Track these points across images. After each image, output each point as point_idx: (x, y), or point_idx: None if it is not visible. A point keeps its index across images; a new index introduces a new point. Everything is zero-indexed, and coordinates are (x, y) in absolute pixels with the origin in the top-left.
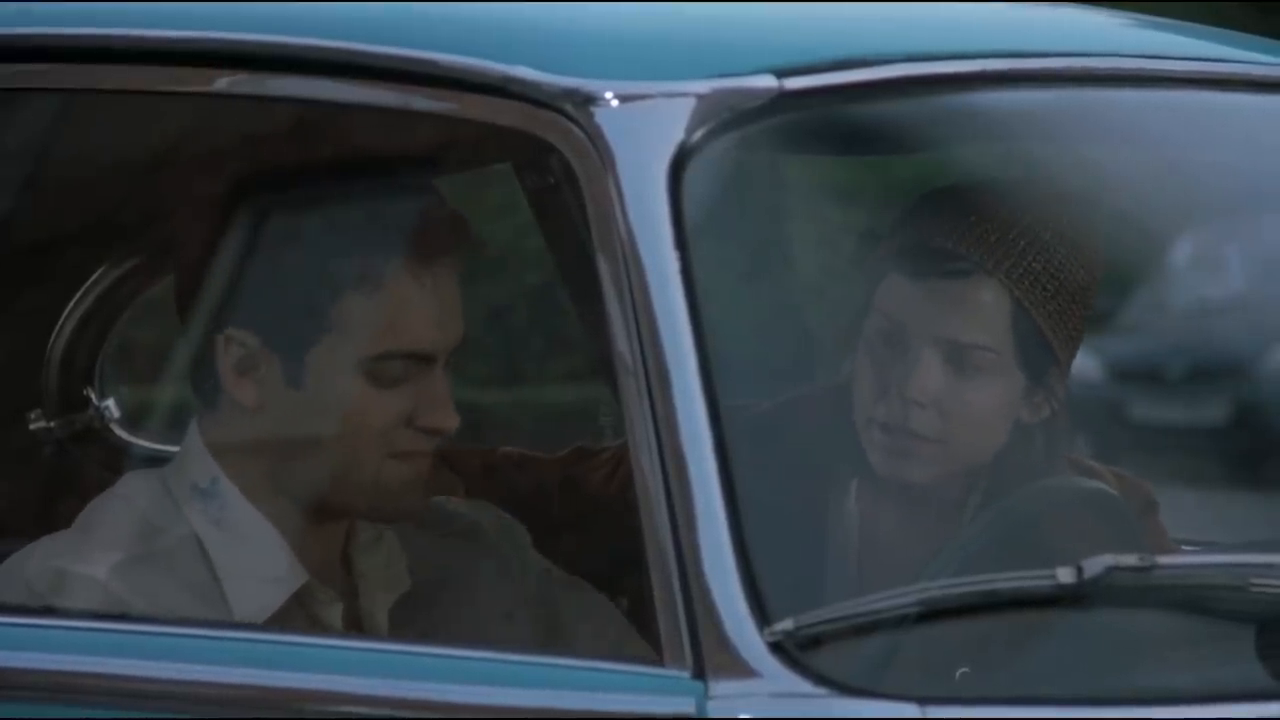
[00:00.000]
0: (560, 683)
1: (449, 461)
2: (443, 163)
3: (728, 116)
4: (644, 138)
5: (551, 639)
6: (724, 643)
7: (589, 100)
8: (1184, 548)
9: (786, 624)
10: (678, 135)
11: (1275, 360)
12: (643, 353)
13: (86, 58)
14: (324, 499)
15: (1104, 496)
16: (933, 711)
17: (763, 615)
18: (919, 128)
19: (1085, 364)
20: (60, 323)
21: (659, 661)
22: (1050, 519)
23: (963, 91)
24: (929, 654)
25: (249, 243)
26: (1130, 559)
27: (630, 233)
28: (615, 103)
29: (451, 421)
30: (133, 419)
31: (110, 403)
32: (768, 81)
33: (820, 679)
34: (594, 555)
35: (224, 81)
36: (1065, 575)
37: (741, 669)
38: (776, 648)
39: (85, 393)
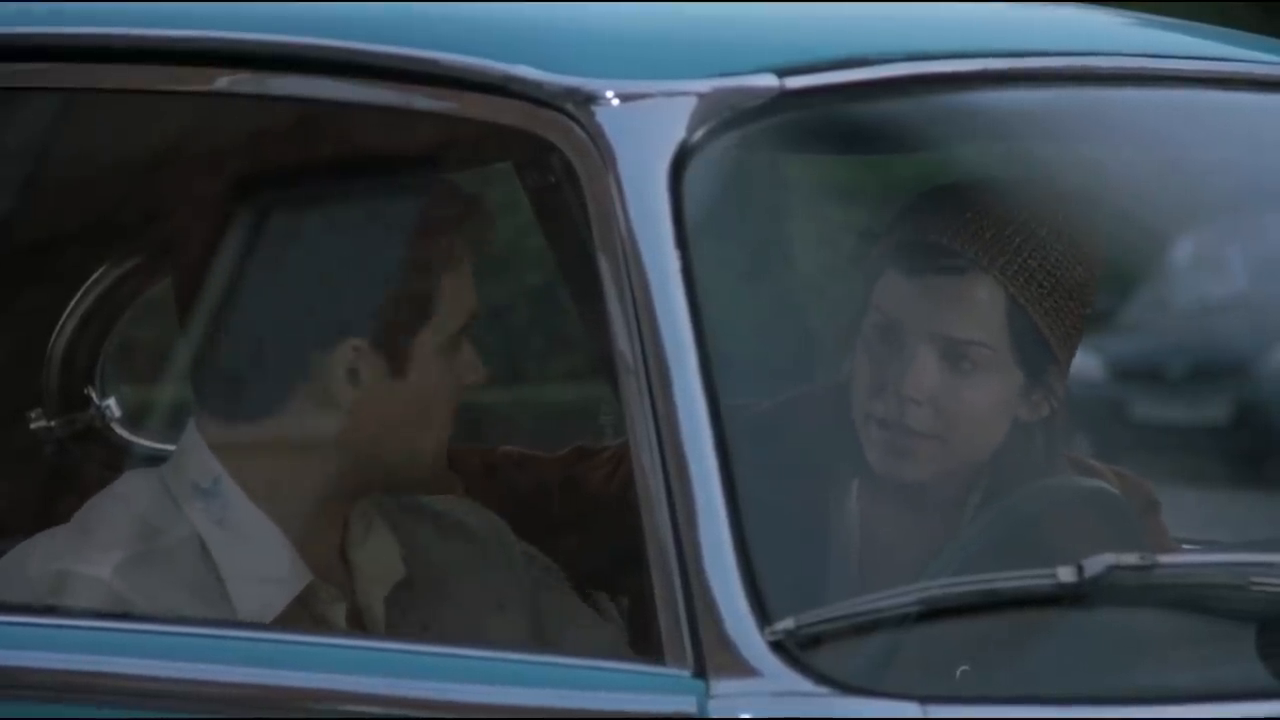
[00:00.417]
0: (561, 682)
1: (450, 460)
2: (444, 162)
3: (728, 116)
4: (645, 137)
5: (541, 629)
6: (725, 642)
7: (590, 99)
8: (1185, 547)
9: (787, 623)
10: (678, 134)
11: (1276, 359)
12: (643, 352)
13: (87, 57)
14: (373, 484)
15: (1105, 495)
16: (934, 710)
17: (763, 614)
18: (920, 127)
19: (1086, 363)
20: (61, 322)
21: (660, 660)
22: (1051, 518)
23: (964, 91)
24: (930, 653)
25: (317, 247)
26: (1131, 558)
27: (631, 232)
28: (616, 102)
29: (487, 373)
30: (133, 418)
31: (111, 402)
32: (768, 81)
33: (821, 678)
34: (594, 554)
35: (225, 81)
36: (1066, 574)
37: (742, 668)
38: (777, 647)
39: (86, 392)
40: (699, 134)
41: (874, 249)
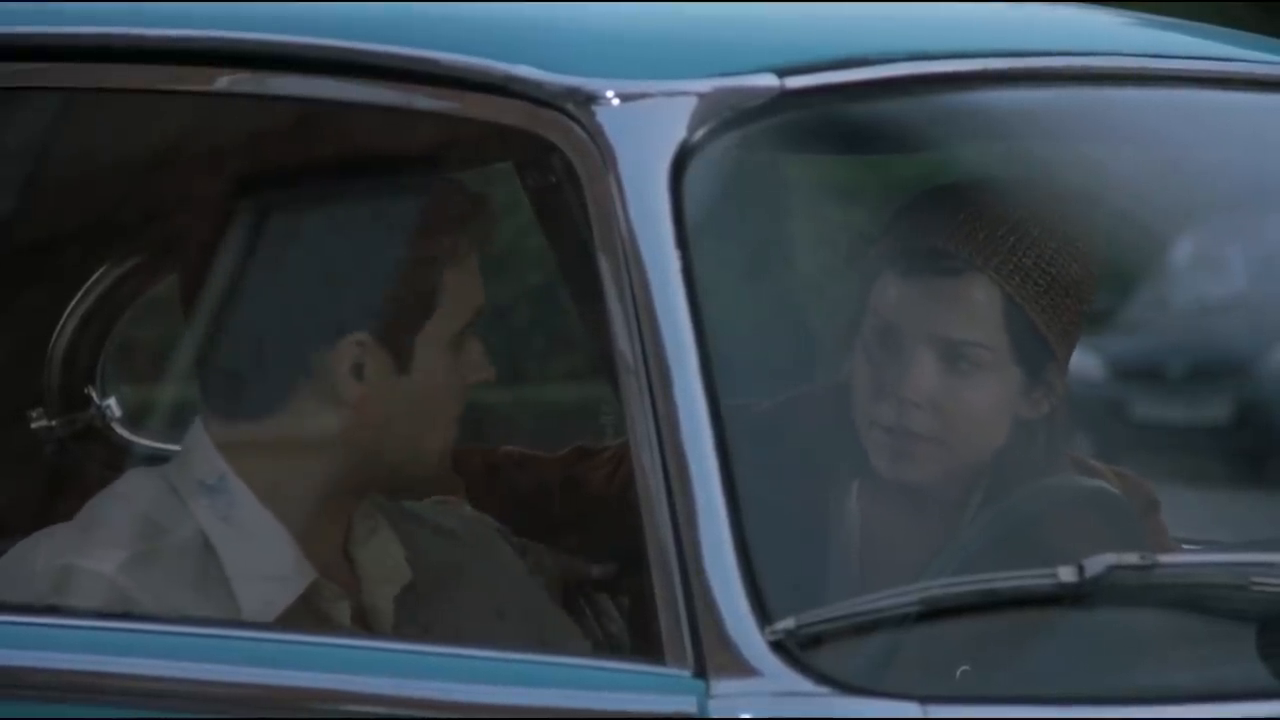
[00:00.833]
0: (561, 681)
1: (451, 461)
2: (444, 161)
3: (729, 115)
4: (645, 137)
5: (541, 633)
6: (725, 642)
7: (590, 99)
8: (1185, 547)
9: (788, 623)
10: (679, 134)
11: (1276, 359)
12: (644, 351)
13: (88, 57)
14: (377, 482)
15: (1105, 495)
16: (934, 710)
17: (764, 614)
18: (920, 127)
19: (1086, 363)
20: (62, 322)
21: (660, 660)
22: (1051, 518)
23: (964, 90)
24: (930, 653)
25: (319, 246)
26: (1132, 558)
27: (631, 232)
28: (616, 102)
29: (493, 372)
30: (134, 418)
31: (111, 402)
32: (769, 81)
33: (821, 678)
34: (595, 555)
35: (225, 80)
36: (1067, 574)
37: (742, 668)
38: (778, 646)
39: (87, 391)
40: (699, 134)
41: (869, 252)
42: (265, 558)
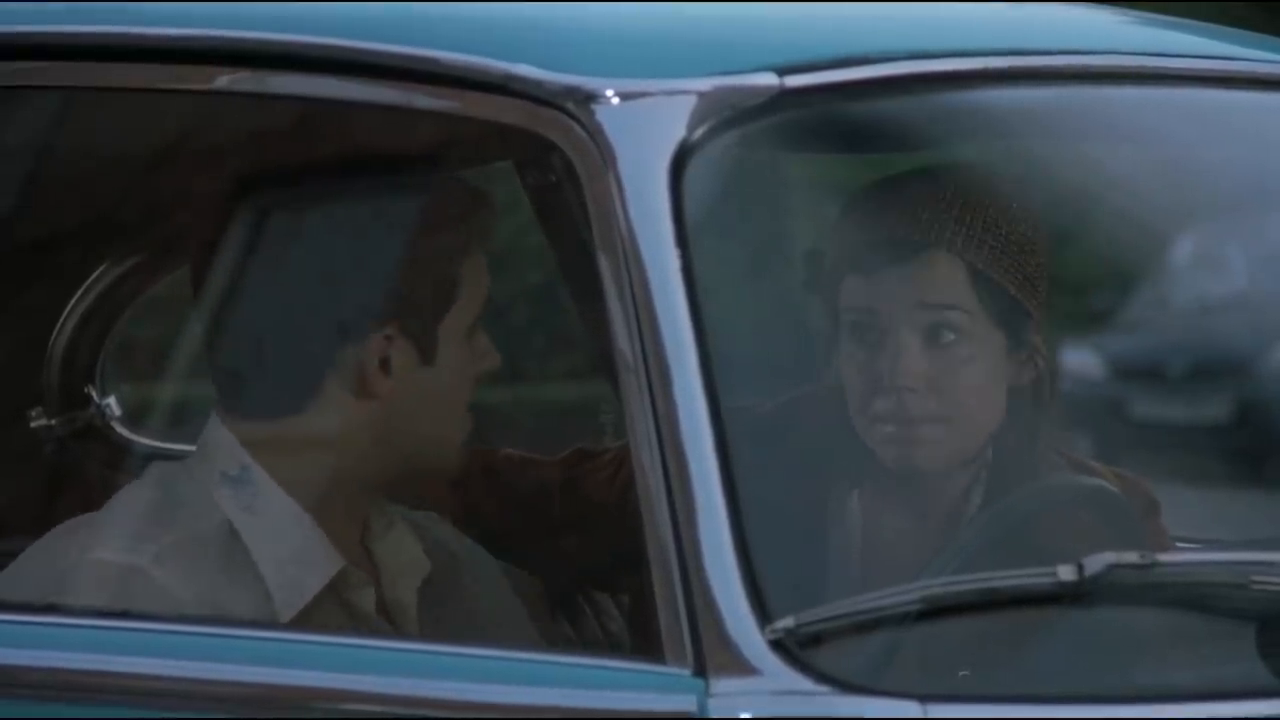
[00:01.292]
0: (561, 680)
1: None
2: (444, 160)
3: (729, 114)
4: (645, 135)
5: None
6: (725, 640)
7: (590, 98)
8: (1185, 546)
9: (787, 622)
10: (678, 133)
11: (1276, 359)
12: (643, 350)
13: (88, 55)
14: (401, 474)
15: (1105, 494)
16: (934, 709)
17: (764, 613)
18: (920, 126)
19: (1086, 362)
20: (61, 320)
21: (660, 659)
22: (1051, 517)
23: (964, 90)
24: (930, 652)
25: (335, 243)
26: (1131, 556)
27: (631, 231)
28: (616, 101)
29: (499, 359)
30: (134, 417)
31: (111, 400)
32: (769, 79)
33: (821, 677)
34: (595, 555)
35: (226, 79)
36: (1066, 573)
37: (742, 667)
38: (777, 645)
39: (86, 390)
40: (699, 133)
41: (824, 264)
42: (292, 546)
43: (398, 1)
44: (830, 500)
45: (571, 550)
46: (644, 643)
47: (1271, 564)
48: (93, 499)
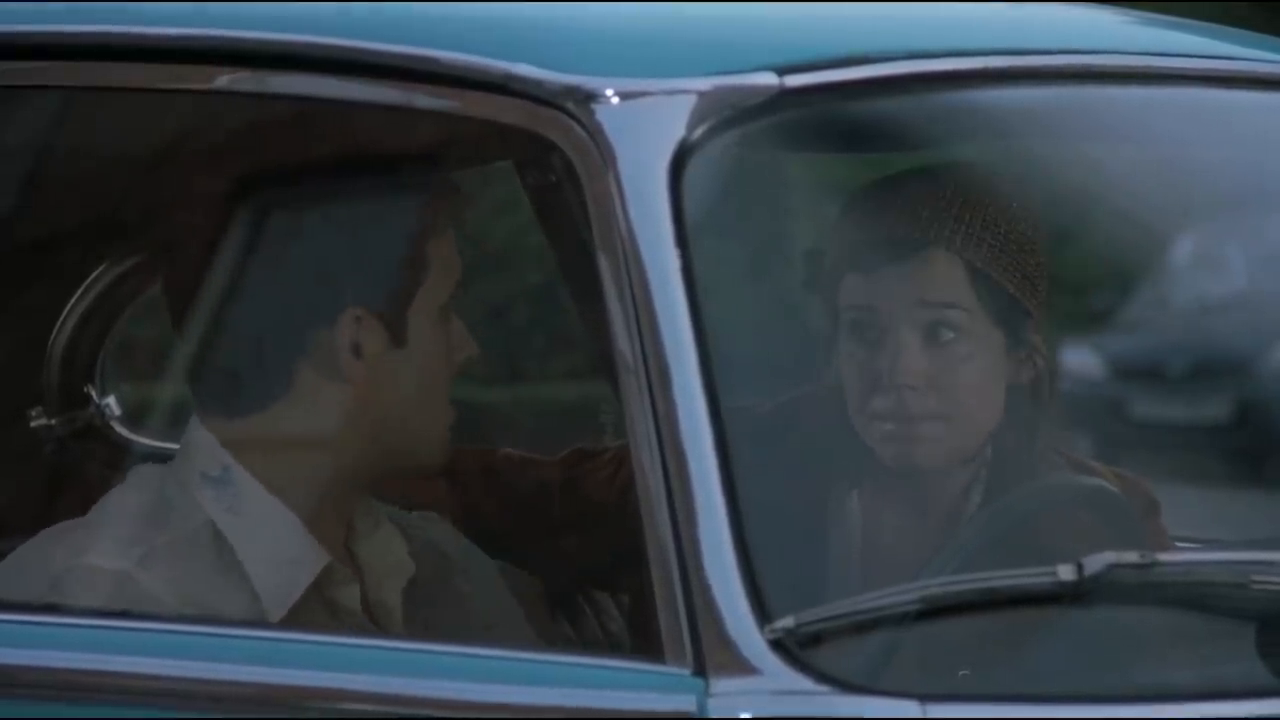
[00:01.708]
0: (561, 680)
1: (450, 462)
2: (444, 160)
3: (728, 114)
4: (645, 135)
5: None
6: (725, 640)
7: (590, 98)
8: (1185, 546)
9: (787, 621)
10: (678, 133)
11: (1276, 359)
12: (643, 350)
13: (88, 55)
14: (380, 469)
15: (1104, 494)
16: (933, 709)
17: (763, 613)
18: (920, 125)
19: (1086, 363)
20: (61, 320)
21: (660, 659)
22: (1051, 516)
23: (964, 89)
24: (930, 651)
25: (306, 227)
26: (1131, 556)
27: (631, 230)
28: (616, 100)
29: (476, 347)
30: (133, 416)
31: (111, 400)
32: (768, 79)
33: (821, 676)
34: (595, 555)
35: (225, 79)
36: (1066, 572)
37: (742, 666)
38: (777, 645)
39: (86, 390)
40: (699, 132)
41: (823, 264)
42: (276, 544)
43: (398, 1)
44: (830, 500)
45: (571, 550)
46: (644, 642)
47: (1271, 564)
48: (93, 499)
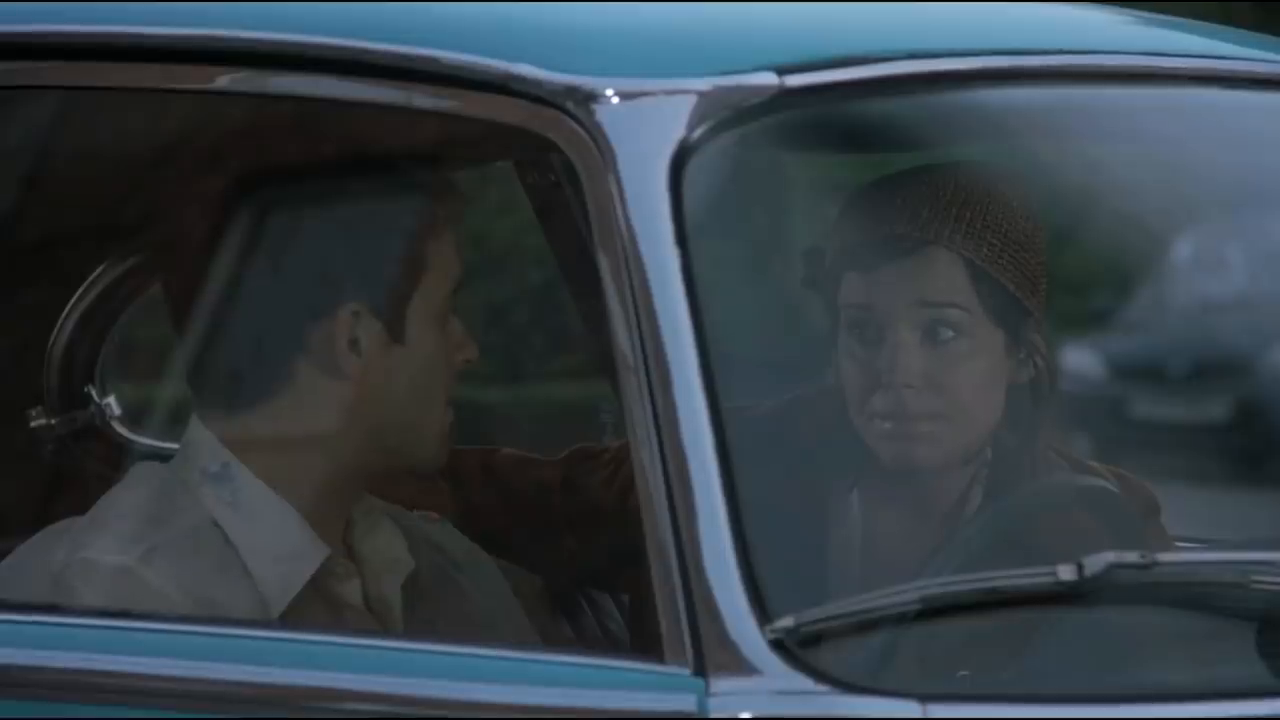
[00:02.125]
0: (561, 680)
1: (450, 462)
2: (444, 160)
3: (728, 114)
4: (645, 135)
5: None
6: (725, 640)
7: (590, 98)
8: (1185, 546)
9: (787, 621)
10: (678, 132)
11: (1276, 359)
12: (644, 350)
13: (87, 55)
14: (380, 466)
15: (1105, 494)
16: (934, 709)
17: (764, 612)
18: (920, 125)
19: (1086, 363)
20: (61, 320)
21: (660, 659)
22: (1051, 516)
23: (964, 89)
24: (930, 651)
25: (305, 225)
26: (1131, 556)
27: (631, 230)
28: (616, 100)
29: (476, 349)
30: (133, 416)
31: (111, 400)
32: (768, 79)
33: (821, 676)
34: (595, 555)
35: (225, 79)
36: (1066, 572)
37: (742, 666)
38: (777, 645)
39: (86, 390)
40: (699, 132)
41: (823, 262)
42: (276, 538)
43: (397, 1)
44: (830, 500)
45: (571, 550)
46: (644, 642)
47: (1271, 564)
48: (93, 499)
